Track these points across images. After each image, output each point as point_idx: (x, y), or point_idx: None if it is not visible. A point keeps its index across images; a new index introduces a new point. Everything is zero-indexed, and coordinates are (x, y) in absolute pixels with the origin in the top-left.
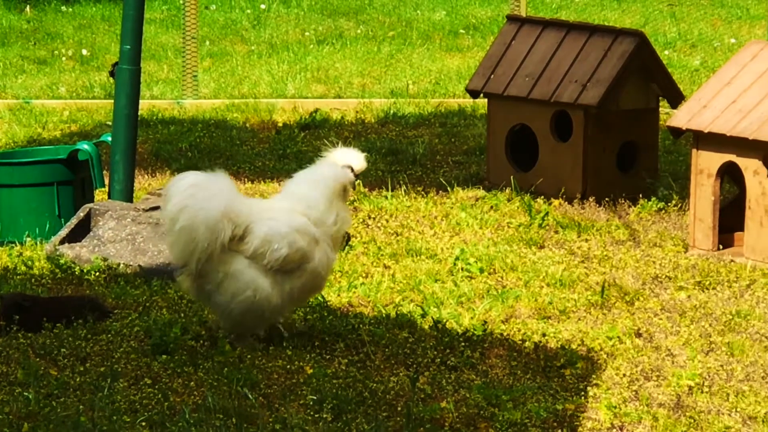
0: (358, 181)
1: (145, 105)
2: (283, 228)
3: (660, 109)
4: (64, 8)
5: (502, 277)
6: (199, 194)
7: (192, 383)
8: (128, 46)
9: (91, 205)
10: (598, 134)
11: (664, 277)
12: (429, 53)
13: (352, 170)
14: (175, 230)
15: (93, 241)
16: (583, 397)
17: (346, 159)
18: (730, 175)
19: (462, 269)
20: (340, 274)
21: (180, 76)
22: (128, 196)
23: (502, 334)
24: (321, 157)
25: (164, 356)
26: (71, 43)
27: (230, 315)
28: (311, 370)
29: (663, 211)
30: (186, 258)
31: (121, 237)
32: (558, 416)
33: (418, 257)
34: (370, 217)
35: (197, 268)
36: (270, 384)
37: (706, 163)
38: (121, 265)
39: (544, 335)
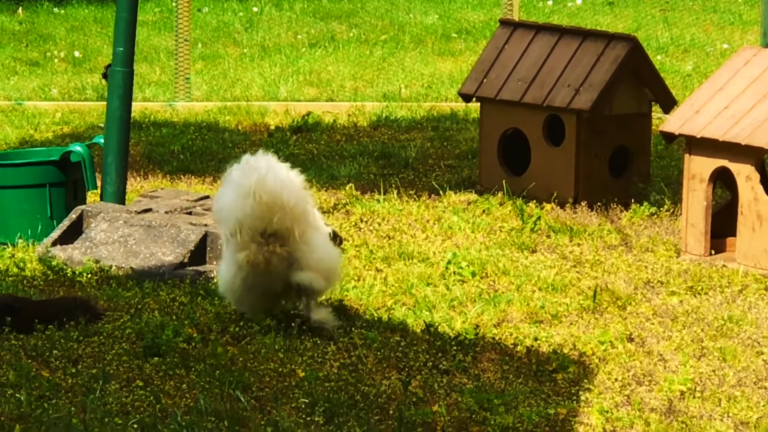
0: None
1: (137, 107)
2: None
3: (652, 114)
4: (56, 10)
5: (494, 281)
6: (282, 170)
7: (184, 385)
8: (121, 48)
9: (83, 207)
10: (590, 139)
11: (656, 282)
12: (421, 57)
13: None
14: (286, 206)
15: (85, 243)
16: (575, 402)
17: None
18: (723, 181)
19: (454, 273)
20: None
21: (172, 78)
22: (120, 198)
23: (494, 338)
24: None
25: (156, 358)
26: (64, 44)
27: (324, 267)
28: (303, 373)
29: (655, 216)
30: (289, 227)
31: (113, 239)
32: (550, 420)
33: (410, 261)
34: (362, 221)
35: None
36: (262, 387)
37: (699, 169)
38: (113, 267)
39: (536, 339)
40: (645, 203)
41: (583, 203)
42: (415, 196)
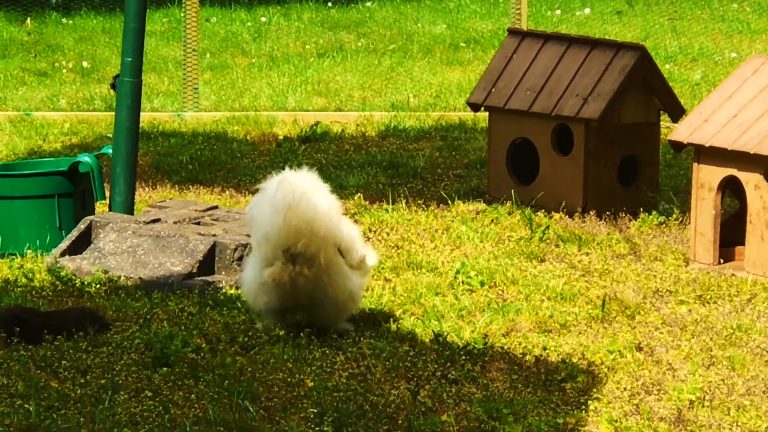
0: None
1: (145, 117)
2: (354, 228)
3: (661, 123)
4: (64, 20)
5: (502, 291)
6: (318, 193)
7: (193, 396)
8: (129, 59)
9: (92, 217)
10: (599, 148)
11: (665, 290)
12: (430, 66)
13: None
14: (315, 232)
15: (94, 254)
16: (584, 411)
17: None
18: (731, 189)
19: (463, 282)
20: None
21: (181, 88)
22: (129, 209)
23: (502, 348)
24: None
25: (165, 369)
26: (72, 55)
27: (336, 303)
28: (312, 383)
29: (664, 225)
30: (314, 252)
31: (122, 249)
32: (559, 430)
33: (419, 270)
34: (370, 230)
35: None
36: (271, 397)
37: (707, 177)
38: (122, 278)
39: (544, 349)
40: (654, 212)
41: (591, 212)
42: (423, 205)
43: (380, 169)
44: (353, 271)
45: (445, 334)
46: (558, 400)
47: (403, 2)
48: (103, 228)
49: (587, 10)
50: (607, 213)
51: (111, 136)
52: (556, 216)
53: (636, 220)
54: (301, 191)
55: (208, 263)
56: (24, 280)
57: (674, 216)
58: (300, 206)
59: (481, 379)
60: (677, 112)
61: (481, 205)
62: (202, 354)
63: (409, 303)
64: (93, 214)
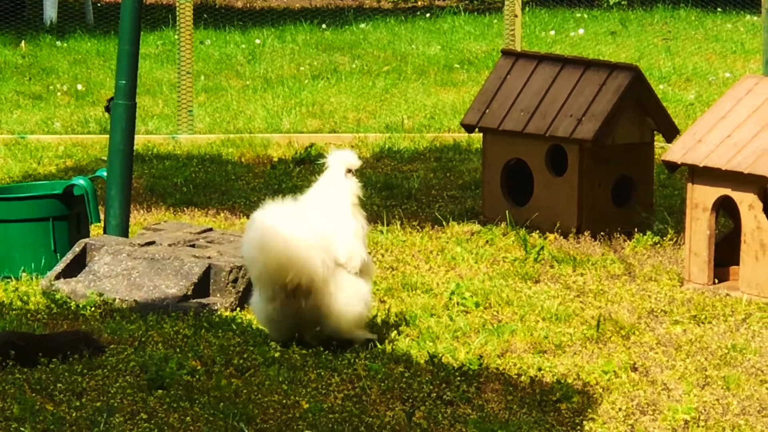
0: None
1: (140, 140)
2: (353, 232)
3: (655, 143)
4: (59, 43)
5: (497, 312)
6: (293, 225)
7: (188, 418)
8: (123, 81)
9: (86, 240)
10: (593, 169)
11: (659, 311)
12: (424, 88)
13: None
14: (299, 264)
15: (88, 276)
16: None
17: (346, 162)
18: (726, 209)
19: (457, 304)
20: None
21: (175, 111)
22: (124, 231)
23: (497, 369)
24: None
25: (160, 391)
26: (66, 78)
27: (346, 320)
28: (307, 405)
29: (658, 245)
30: (307, 282)
31: (116, 272)
32: None
33: (414, 292)
34: None
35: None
36: (266, 419)
37: (702, 197)
38: (117, 300)
39: (539, 369)
40: (648, 232)
41: (586, 233)
42: (418, 227)
43: (375, 190)
44: (358, 278)
45: (440, 355)
46: (553, 421)
47: (397, 24)
48: (97, 251)
49: (581, 31)
50: (602, 233)
51: (105, 158)
52: (551, 237)
53: (630, 241)
54: (271, 228)
55: (203, 285)
56: (19, 303)
57: (669, 236)
58: (271, 244)
59: (477, 400)
60: (671, 133)
61: (476, 226)
62: (197, 376)
63: (404, 324)
64: (88, 236)
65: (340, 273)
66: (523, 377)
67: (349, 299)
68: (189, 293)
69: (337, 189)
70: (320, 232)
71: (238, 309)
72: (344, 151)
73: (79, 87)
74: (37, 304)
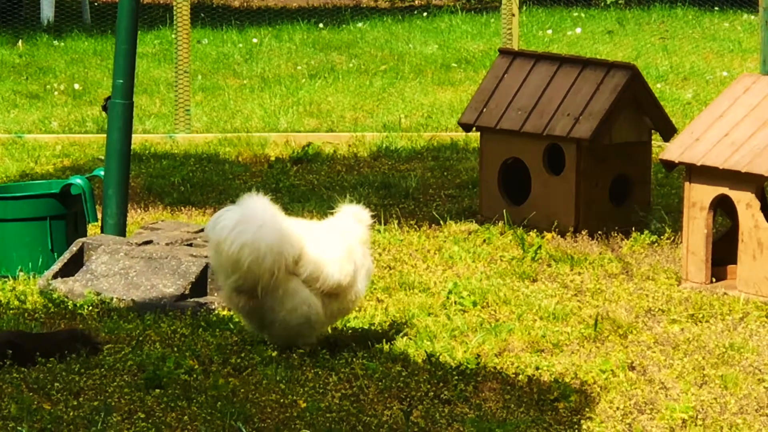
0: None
1: (137, 139)
2: (334, 254)
3: (652, 142)
4: (56, 43)
5: (495, 311)
6: (249, 228)
7: (185, 417)
8: (121, 81)
9: (83, 239)
10: (590, 167)
11: (657, 310)
12: (421, 87)
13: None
14: (243, 269)
15: (86, 276)
16: (576, 431)
17: (357, 215)
18: (723, 208)
19: (455, 303)
20: None
21: (172, 110)
22: (121, 231)
23: (495, 368)
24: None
25: (157, 390)
26: (63, 77)
27: (287, 327)
28: (305, 404)
29: (656, 244)
30: (252, 286)
31: (114, 271)
32: None
33: (411, 291)
34: None
35: (262, 293)
36: (264, 418)
37: (699, 196)
38: (114, 300)
39: (537, 368)
40: (646, 231)
41: (583, 232)
42: (415, 226)
43: (372, 189)
44: (322, 297)
45: (438, 354)
46: (551, 420)
47: (394, 23)
48: (95, 250)
49: (578, 30)
50: (599, 232)
51: (103, 158)
52: (548, 236)
53: (628, 240)
54: (227, 230)
55: (200, 284)
56: (16, 303)
57: (666, 235)
58: (223, 245)
59: (474, 399)
60: (668, 132)
61: (473, 225)
62: (194, 375)
63: (402, 323)
64: (85, 236)
65: (295, 285)
66: (520, 376)
67: (297, 311)
68: (186, 292)
69: (345, 223)
70: (280, 239)
71: None
72: (357, 206)
73: (77, 86)
74: (35, 304)
